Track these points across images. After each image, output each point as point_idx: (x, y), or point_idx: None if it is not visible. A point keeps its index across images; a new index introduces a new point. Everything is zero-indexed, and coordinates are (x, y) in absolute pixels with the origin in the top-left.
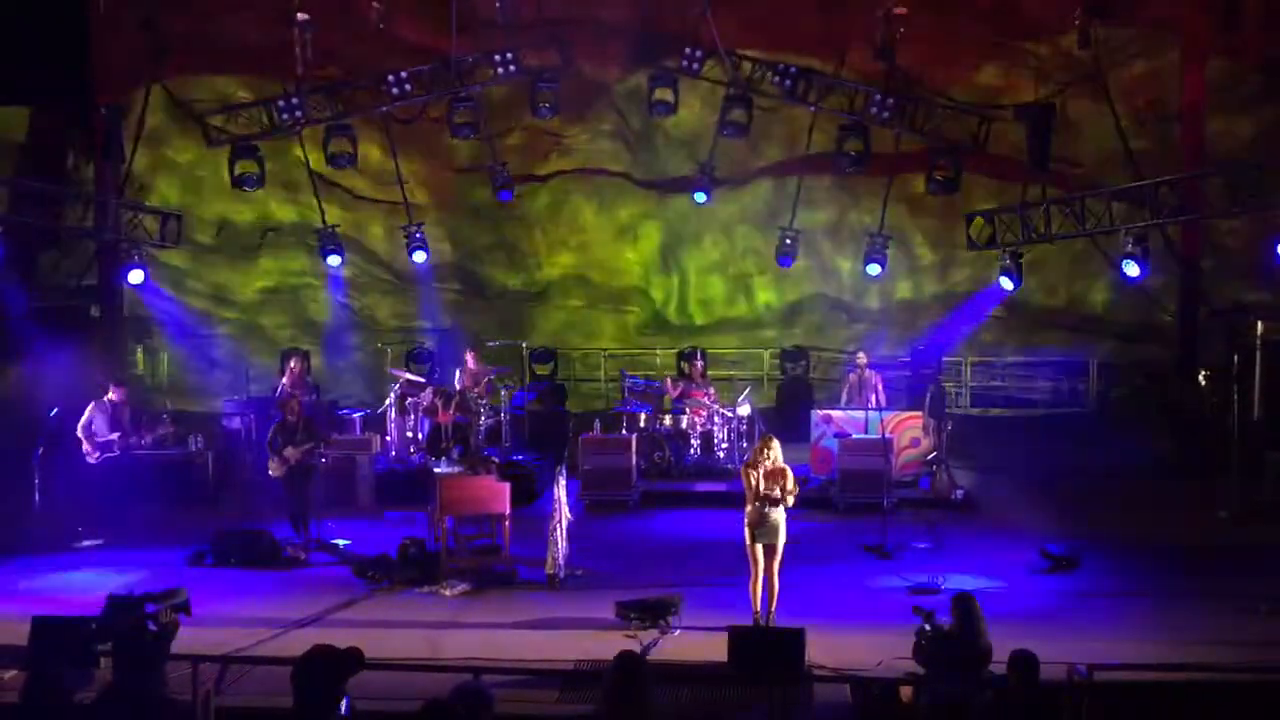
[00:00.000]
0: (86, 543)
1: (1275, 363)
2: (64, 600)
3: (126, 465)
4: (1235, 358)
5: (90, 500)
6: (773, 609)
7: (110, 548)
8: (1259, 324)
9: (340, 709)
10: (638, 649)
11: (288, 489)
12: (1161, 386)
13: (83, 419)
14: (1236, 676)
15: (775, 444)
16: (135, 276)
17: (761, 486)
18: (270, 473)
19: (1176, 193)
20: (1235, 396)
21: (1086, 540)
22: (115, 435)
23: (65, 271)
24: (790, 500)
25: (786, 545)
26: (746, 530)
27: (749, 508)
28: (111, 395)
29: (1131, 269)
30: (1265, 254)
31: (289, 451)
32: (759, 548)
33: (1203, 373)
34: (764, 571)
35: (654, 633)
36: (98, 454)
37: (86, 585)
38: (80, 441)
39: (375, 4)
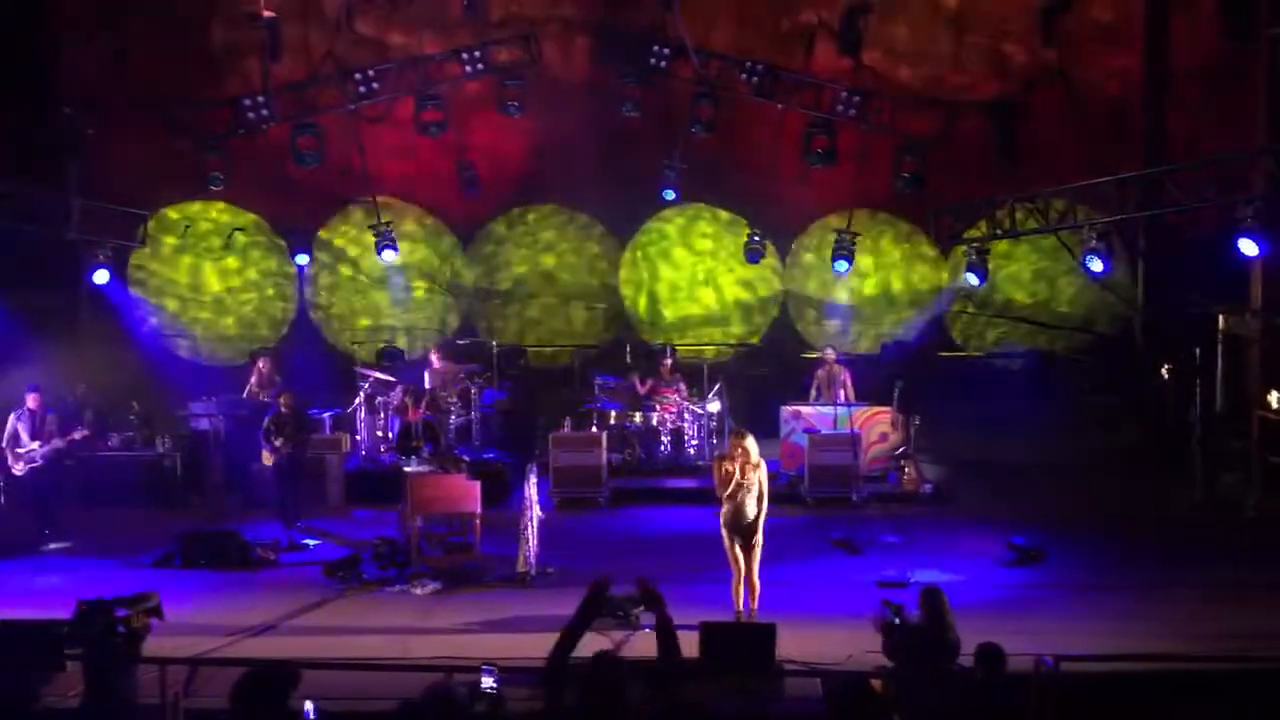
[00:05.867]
0: (53, 545)
1: (1237, 356)
2: (31, 605)
3: (79, 469)
4: (1198, 351)
5: (57, 503)
6: (754, 606)
7: (78, 551)
8: (1220, 318)
9: (309, 714)
10: (609, 646)
11: (276, 481)
12: (1125, 380)
13: (7, 431)
14: (1202, 666)
15: (750, 440)
16: (100, 277)
17: (737, 475)
18: (264, 462)
19: (1140, 188)
20: (1198, 389)
21: (1053, 532)
22: (35, 444)
23: (29, 272)
24: (763, 505)
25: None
26: (724, 531)
27: (724, 507)
28: (30, 403)
29: (1095, 264)
30: (1227, 248)
31: (279, 442)
32: (738, 548)
33: (1166, 366)
34: (745, 570)
35: (625, 629)
36: (21, 465)
37: (54, 589)
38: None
39: None
